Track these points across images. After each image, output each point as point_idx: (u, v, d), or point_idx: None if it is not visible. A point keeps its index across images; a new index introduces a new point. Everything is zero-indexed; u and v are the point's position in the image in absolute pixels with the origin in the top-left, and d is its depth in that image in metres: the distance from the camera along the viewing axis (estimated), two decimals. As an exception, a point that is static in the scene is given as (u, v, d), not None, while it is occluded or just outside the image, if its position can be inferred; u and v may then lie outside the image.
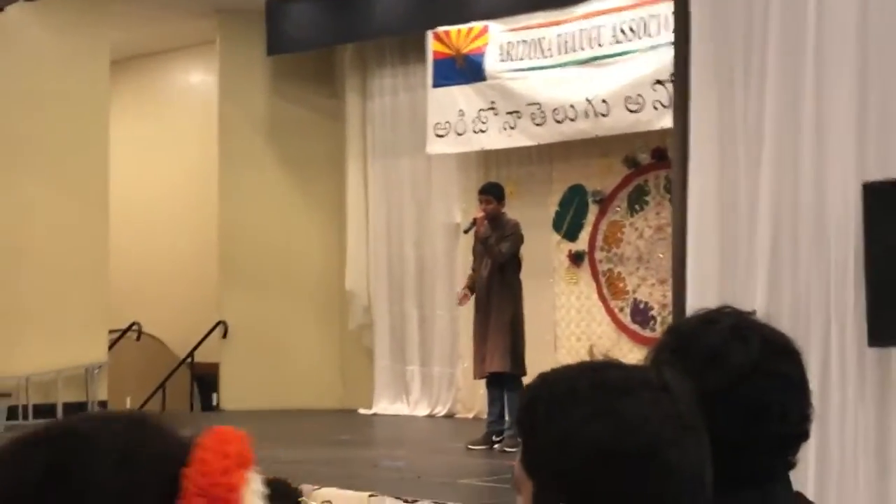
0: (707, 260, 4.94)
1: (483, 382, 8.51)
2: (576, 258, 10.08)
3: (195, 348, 11.82)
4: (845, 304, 4.51)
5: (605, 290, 9.93)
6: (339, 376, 11.70)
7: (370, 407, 11.10)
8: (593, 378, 1.36)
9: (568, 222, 10.19)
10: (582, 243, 10.09)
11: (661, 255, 9.20)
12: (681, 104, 5.14)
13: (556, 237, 10.22)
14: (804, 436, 1.83)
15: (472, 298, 8.43)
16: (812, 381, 4.57)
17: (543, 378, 1.40)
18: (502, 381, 8.12)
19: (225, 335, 11.57)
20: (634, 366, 1.47)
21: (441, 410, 10.74)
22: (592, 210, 10.02)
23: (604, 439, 1.31)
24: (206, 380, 11.92)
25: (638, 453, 1.30)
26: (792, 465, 1.81)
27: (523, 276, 8.42)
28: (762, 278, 4.75)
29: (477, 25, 10.12)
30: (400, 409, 10.97)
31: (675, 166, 5.19)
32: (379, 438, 10.23)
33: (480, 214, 8.33)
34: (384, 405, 11.06)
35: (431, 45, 10.46)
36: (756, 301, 4.72)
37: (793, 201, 4.72)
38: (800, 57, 4.73)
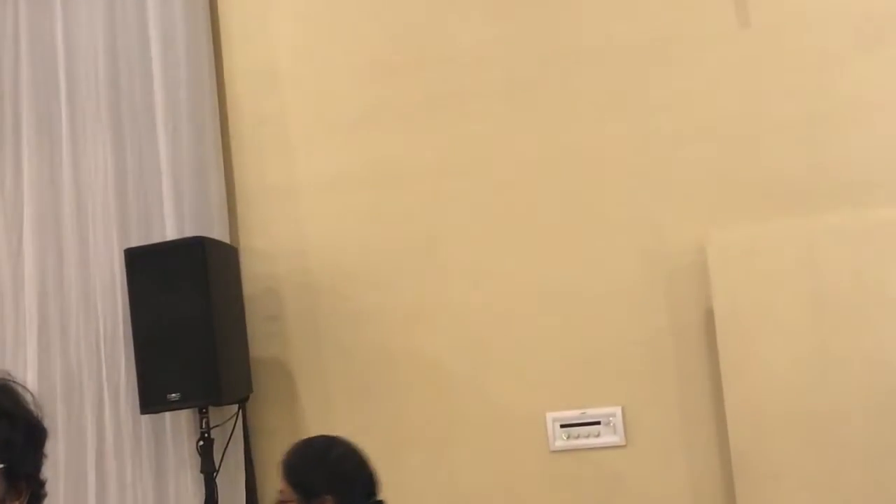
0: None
1: None
2: None
3: None
4: (117, 373, 4.49)
5: None
6: None
7: None
8: None
9: None
10: None
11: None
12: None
13: None
14: None
15: None
16: (90, 454, 4.52)
17: None
18: None
19: None
20: None
21: None
22: None
23: None
24: None
25: None
26: None
27: None
28: (32, 354, 4.57)
29: None
30: None
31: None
32: None
33: None
34: None
35: None
36: (27, 376, 4.54)
37: (58, 273, 4.61)
38: (55, 126, 4.67)
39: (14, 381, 1.89)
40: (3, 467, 1.78)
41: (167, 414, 4.38)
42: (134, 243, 4.38)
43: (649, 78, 4.23)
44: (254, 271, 4.53)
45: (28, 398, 1.88)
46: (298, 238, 4.52)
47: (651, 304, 4.16)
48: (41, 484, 1.87)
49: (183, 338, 4.11)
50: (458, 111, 4.41)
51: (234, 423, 4.36)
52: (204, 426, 4.22)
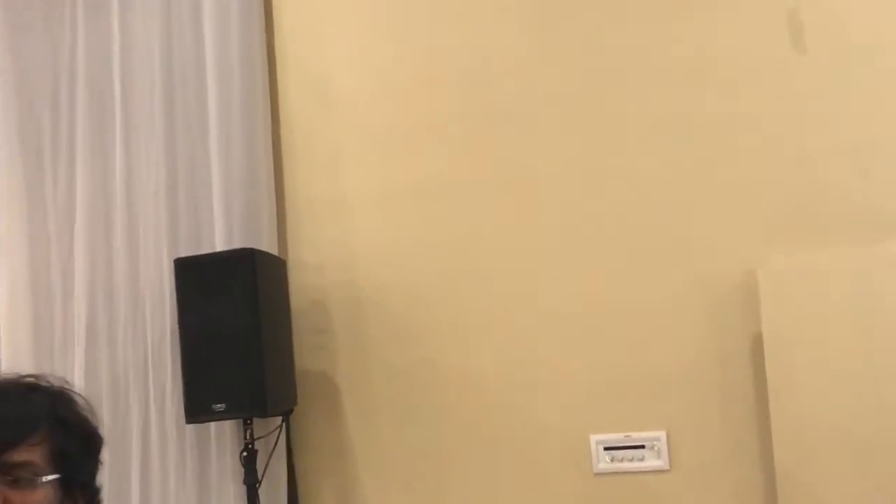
0: (21, 342, 4.71)
1: None
2: None
3: None
4: (164, 382, 4.51)
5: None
6: None
7: None
8: None
9: None
10: None
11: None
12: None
13: None
14: None
15: None
16: (134, 461, 4.54)
17: None
18: None
19: None
20: None
21: None
22: None
23: None
24: None
25: None
26: None
27: None
28: (79, 358, 4.61)
29: None
30: None
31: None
32: None
33: None
34: None
35: None
36: (74, 381, 4.57)
37: (107, 279, 4.64)
38: (108, 133, 4.70)
39: (71, 389, 1.91)
40: (59, 477, 1.79)
41: (212, 424, 4.40)
42: (183, 253, 4.41)
43: (701, 98, 4.21)
44: (301, 284, 4.54)
45: (84, 405, 1.90)
46: (346, 251, 4.53)
47: (698, 328, 4.13)
48: (96, 492, 1.88)
49: (230, 349, 4.12)
50: (507, 128, 4.40)
51: (277, 435, 4.37)
52: (248, 437, 4.23)
